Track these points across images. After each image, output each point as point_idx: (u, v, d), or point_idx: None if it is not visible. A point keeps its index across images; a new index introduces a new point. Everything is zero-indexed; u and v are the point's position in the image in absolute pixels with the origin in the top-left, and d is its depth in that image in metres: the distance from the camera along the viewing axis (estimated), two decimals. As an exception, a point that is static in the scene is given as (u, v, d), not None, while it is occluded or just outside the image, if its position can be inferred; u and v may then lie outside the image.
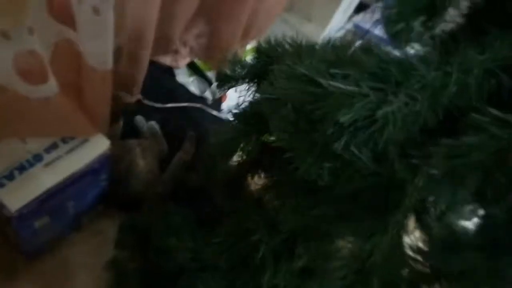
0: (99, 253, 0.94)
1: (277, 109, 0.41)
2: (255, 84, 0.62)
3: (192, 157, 1.08)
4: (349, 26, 1.50)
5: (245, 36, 1.25)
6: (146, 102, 1.14)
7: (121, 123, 1.03)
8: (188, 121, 1.18)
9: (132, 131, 1.09)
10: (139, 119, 1.11)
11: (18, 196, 0.70)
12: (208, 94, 1.27)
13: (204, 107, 1.22)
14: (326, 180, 0.40)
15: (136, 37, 0.90)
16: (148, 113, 1.13)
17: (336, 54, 0.44)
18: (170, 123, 1.15)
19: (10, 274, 0.86)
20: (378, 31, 1.37)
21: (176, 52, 1.19)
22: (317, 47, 0.57)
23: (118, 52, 0.95)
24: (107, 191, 0.92)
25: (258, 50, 0.62)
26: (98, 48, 0.64)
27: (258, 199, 0.71)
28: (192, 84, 1.27)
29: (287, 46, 0.59)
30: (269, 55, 0.60)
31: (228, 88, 0.64)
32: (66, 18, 0.65)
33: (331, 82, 0.36)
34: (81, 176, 0.78)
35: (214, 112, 1.25)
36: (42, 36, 0.63)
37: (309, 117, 0.37)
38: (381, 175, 0.39)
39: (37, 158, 0.74)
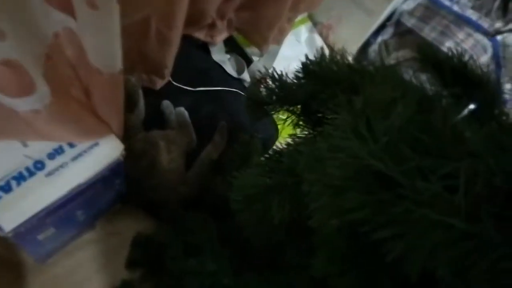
0: (116, 255, 0.86)
1: (321, 225, 0.26)
2: (299, 112, 0.46)
3: (222, 153, 0.95)
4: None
5: (295, 8, 1.05)
6: (175, 84, 1.00)
7: (142, 110, 0.90)
8: (221, 108, 1.03)
9: (157, 118, 0.97)
10: (166, 104, 0.98)
11: (14, 213, 0.60)
12: (246, 76, 1.10)
13: (241, 91, 1.06)
14: None
15: (164, 15, 0.74)
16: (177, 97, 1.00)
17: (429, 123, 0.27)
18: (201, 109, 1.01)
19: (18, 278, 0.79)
20: (458, 9, 1.12)
21: (211, 26, 1.02)
22: (395, 77, 0.39)
23: (145, 31, 0.80)
24: (124, 191, 0.82)
25: (305, 69, 0.45)
26: (100, 47, 0.50)
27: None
28: (229, 62, 1.11)
29: (344, 70, 0.41)
30: (319, 78, 0.42)
31: (262, 118, 0.48)
32: (65, 4, 0.50)
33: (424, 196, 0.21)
34: (90, 186, 0.67)
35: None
36: (33, 27, 0.50)
37: (371, 251, 0.22)
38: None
39: (39, 165, 0.64)
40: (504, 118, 0.40)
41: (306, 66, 0.45)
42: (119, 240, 0.89)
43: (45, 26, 0.51)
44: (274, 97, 0.46)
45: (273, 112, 0.47)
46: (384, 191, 0.24)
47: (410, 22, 1.20)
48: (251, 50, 1.15)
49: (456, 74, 0.45)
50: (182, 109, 0.98)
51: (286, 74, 0.47)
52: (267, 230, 0.42)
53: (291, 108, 0.47)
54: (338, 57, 0.43)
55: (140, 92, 0.90)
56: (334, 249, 0.28)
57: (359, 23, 1.21)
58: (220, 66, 1.09)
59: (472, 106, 0.35)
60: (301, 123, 0.46)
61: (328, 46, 1.29)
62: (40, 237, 0.68)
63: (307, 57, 0.46)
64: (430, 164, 0.24)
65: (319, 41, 1.29)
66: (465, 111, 0.34)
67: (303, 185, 0.29)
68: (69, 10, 0.49)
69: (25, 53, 0.46)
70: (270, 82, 0.47)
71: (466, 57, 0.46)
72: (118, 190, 0.79)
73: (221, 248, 0.72)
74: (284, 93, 0.46)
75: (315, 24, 1.33)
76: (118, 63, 0.53)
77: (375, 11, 1.16)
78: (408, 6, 1.24)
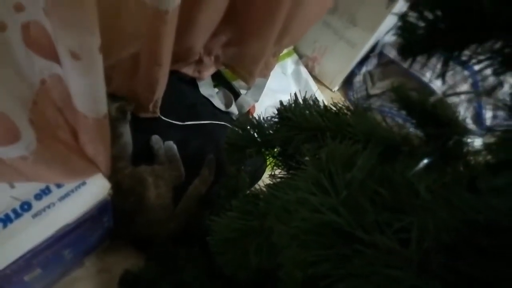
0: (104, 292, 0.86)
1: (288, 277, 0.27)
2: (276, 155, 0.48)
3: (210, 187, 0.96)
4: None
5: (279, 43, 1.09)
6: (164, 118, 1.02)
7: (130, 144, 0.91)
8: (210, 141, 1.05)
9: (146, 153, 0.98)
10: (156, 139, 0.99)
11: (0, 255, 0.60)
12: (234, 109, 1.13)
13: (229, 125, 1.08)
14: None
15: (151, 53, 0.77)
16: (166, 131, 1.01)
17: (389, 175, 0.29)
18: (189, 143, 1.03)
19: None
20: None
21: (199, 61, 1.05)
22: (351, 120, 0.41)
23: (132, 68, 0.83)
24: (112, 228, 0.82)
25: (280, 115, 0.47)
26: (84, 94, 0.52)
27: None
28: (217, 96, 1.13)
29: (316, 117, 0.43)
30: (293, 124, 0.45)
31: (242, 160, 0.50)
32: (50, 53, 0.52)
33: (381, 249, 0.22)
34: (78, 225, 0.67)
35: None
36: (19, 74, 0.52)
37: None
38: None
39: (25, 206, 0.64)
40: (471, 157, 0.42)
41: (281, 112, 0.47)
42: (108, 277, 0.89)
43: (32, 74, 0.53)
44: (252, 142, 0.48)
45: (252, 155, 0.49)
46: (344, 246, 0.25)
47: (392, 53, 1.24)
48: (239, 84, 1.18)
49: (427, 114, 0.48)
50: (171, 143, 1.00)
51: (263, 119, 0.49)
52: (246, 272, 0.42)
53: (267, 152, 0.49)
54: (311, 102, 0.46)
55: (127, 126, 0.92)
56: None
57: (343, 55, 1.25)
58: (208, 100, 1.12)
59: (426, 160, 0.37)
60: (280, 164, 0.48)
61: (313, 77, 1.32)
62: (27, 278, 0.68)
63: (281, 103, 0.48)
64: (387, 217, 0.25)
65: (305, 73, 1.32)
66: (423, 163, 0.36)
67: (272, 236, 0.30)
68: (54, 58, 0.51)
69: (11, 102, 0.48)
70: (248, 127, 0.49)
71: (436, 97, 0.48)
72: (106, 227, 0.80)
73: (210, 283, 0.72)
74: (262, 137, 0.48)
75: (300, 56, 1.36)
76: (102, 108, 0.55)
77: (357, 43, 1.20)
78: (390, 38, 1.29)
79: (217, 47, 1.04)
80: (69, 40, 0.44)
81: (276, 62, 1.17)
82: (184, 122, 1.03)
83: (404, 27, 0.34)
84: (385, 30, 1.27)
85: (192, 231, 0.88)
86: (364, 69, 1.32)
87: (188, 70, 1.06)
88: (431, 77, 1.15)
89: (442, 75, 0.34)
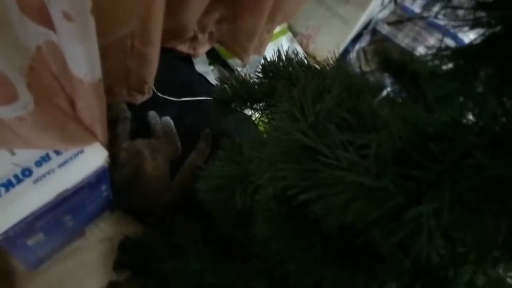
0: (105, 261, 0.89)
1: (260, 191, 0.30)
2: (262, 108, 0.50)
3: (207, 159, 0.99)
4: (394, 7, 1.31)
5: (272, 20, 1.11)
6: (160, 95, 1.04)
7: (128, 119, 0.94)
8: (205, 117, 1.07)
9: (143, 128, 1.00)
10: (152, 115, 1.02)
11: (3, 218, 0.63)
12: (229, 85, 1.15)
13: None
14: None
15: (140, 34, 0.79)
16: (162, 107, 1.04)
17: (355, 103, 0.31)
18: (185, 118, 1.05)
19: (10, 285, 0.82)
20: (430, 16, 1.18)
21: (194, 39, 1.07)
22: (331, 72, 0.44)
23: (123, 49, 0.85)
24: (111, 199, 0.85)
25: (263, 69, 0.49)
26: (79, 57, 0.54)
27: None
28: (212, 73, 1.15)
29: (295, 68, 0.45)
30: (276, 75, 0.47)
31: (228, 115, 0.52)
32: (44, 18, 0.54)
33: (343, 162, 0.25)
34: (76, 191, 0.70)
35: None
36: (16, 40, 0.54)
37: (304, 212, 0.26)
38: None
39: (26, 172, 0.67)
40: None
41: (265, 67, 0.49)
42: (109, 246, 0.92)
43: (27, 39, 0.55)
44: (237, 97, 0.50)
45: (238, 110, 0.51)
46: (310, 161, 0.28)
47: (385, 29, 1.26)
48: (234, 62, 1.20)
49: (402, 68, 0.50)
50: (168, 118, 1.02)
51: (249, 75, 0.51)
52: (233, 216, 0.45)
53: (254, 106, 0.51)
54: (293, 57, 0.48)
55: (124, 106, 0.94)
56: (269, 213, 0.31)
57: (337, 32, 1.27)
58: (204, 77, 1.14)
59: (388, 90, 0.39)
60: (264, 119, 0.50)
61: (308, 55, 1.34)
62: (30, 242, 0.71)
63: (265, 58, 0.50)
64: (349, 137, 0.28)
65: (299, 51, 1.34)
66: (383, 93, 0.39)
67: (248, 165, 0.33)
68: (49, 24, 0.53)
69: (8, 64, 0.50)
70: (234, 82, 0.51)
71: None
72: (105, 197, 0.82)
73: (205, 247, 0.75)
74: (247, 92, 0.50)
75: (295, 34, 1.38)
76: (97, 72, 0.57)
77: (350, 20, 1.22)
78: (383, 14, 1.30)
79: (211, 24, 1.06)
80: (61, 1, 0.46)
81: (270, 39, 1.19)
82: (180, 98, 1.06)
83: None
84: (377, 7, 1.28)
85: (188, 202, 0.91)
86: (357, 46, 1.33)
87: (183, 48, 1.08)
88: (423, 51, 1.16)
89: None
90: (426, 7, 1.21)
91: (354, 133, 0.28)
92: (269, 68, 0.48)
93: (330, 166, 0.27)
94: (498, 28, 0.21)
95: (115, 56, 0.86)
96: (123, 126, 0.92)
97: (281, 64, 0.47)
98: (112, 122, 0.90)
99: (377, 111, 0.29)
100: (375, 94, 0.36)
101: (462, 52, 0.22)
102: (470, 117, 0.26)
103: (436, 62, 0.21)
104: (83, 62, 0.55)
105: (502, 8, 0.21)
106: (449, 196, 0.23)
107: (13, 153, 0.67)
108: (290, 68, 0.46)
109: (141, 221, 0.92)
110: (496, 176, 0.22)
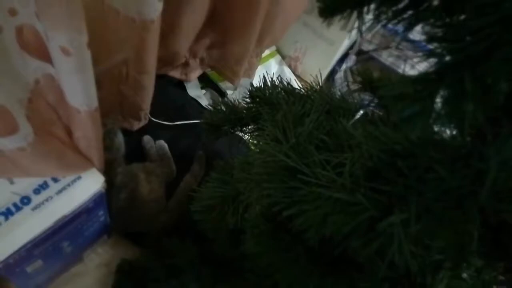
0: (104, 286, 0.90)
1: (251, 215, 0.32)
2: (251, 130, 0.53)
3: (201, 181, 1.01)
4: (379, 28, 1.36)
5: (260, 44, 1.15)
6: (154, 120, 1.07)
7: (122, 146, 0.96)
8: (199, 139, 1.10)
9: (139, 152, 1.03)
10: (147, 139, 1.05)
11: (3, 245, 0.64)
12: (221, 108, 1.18)
13: (217, 123, 1.14)
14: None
15: (136, 62, 0.82)
16: (156, 131, 1.07)
17: (331, 125, 0.34)
18: (180, 141, 1.08)
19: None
20: (414, 35, 1.23)
21: (185, 64, 1.11)
22: (313, 95, 0.47)
23: (119, 77, 0.88)
24: (108, 223, 0.86)
25: (250, 95, 0.53)
26: (77, 88, 0.57)
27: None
28: (204, 97, 1.19)
29: (281, 93, 0.49)
30: (262, 100, 0.50)
31: (219, 137, 0.55)
32: (43, 53, 0.58)
33: (321, 180, 0.27)
34: (74, 217, 0.72)
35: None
36: (16, 75, 0.57)
37: (288, 226, 0.28)
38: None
39: (25, 200, 0.69)
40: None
41: (251, 92, 0.52)
42: (107, 271, 0.93)
43: (26, 74, 0.58)
44: (226, 121, 0.53)
45: (229, 132, 0.54)
46: (292, 180, 0.30)
47: (369, 49, 1.31)
48: (225, 85, 1.24)
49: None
50: (162, 142, 1.05)
51: (237, 100, 0.54)
52: (227, 235, 0.47)
53: (243, 129, 0.54)
54: (278, 83, 0.51)
55: (118, 131, 0.97)
56: (257, 229, 0.33)
57: (323, 53, 1.32)
58: (196, 101, 1.17)
59: (361, 112, 0.42)
60: (253, 141, 0.53)
61: (297, 76, 1.38)
62: (29, 269, 0.72)
63: (251, 85, 0.53)
64: (327, 157, 0.31)
65: (288, 73, 1.38)
66: (359, 114, 0.42)
67: (237, 185, 0.35)
68: (47, 58, 0.57)
69: (9, 97, 0.53)
70: (223, 108, 0.54)
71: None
72: (103, 222, 0.84)
73: (202, 268, 0.77)
74: (235, 116, 0.53)
75: (283, 57, 1.43)
76: (94, 102, 0.60)
77: (336, 41, 1.27)
78: (367, 35, 1.35)
79: (201, 50, 1.10)
80: (60, 38, 0.49)
81: (259, 62, 1.23)
82: (173, 122, 1.09)
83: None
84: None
85: (184, 223, 0.92)
86: (344, 66, 1.38)
87: (176, 73, 1.12)
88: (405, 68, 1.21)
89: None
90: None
91: (331, 153, 0.31)
92: (255, 93, 0.51)
93: (310, 184, 0.29)
94: (448, 58, 0.24)
95: (110, 83, 0.89)
96: (119, 151, 0.95)
97: (266, 90, 0.51)
98: (108, 147, 0.92)
99: (352, 132, 0.32)
100: (352, 115, 0.39)
101: (420, 78, 0.25)
102: (436, 134, 0.29)
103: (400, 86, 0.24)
104: (80, 92, 0.58)
105: (450, 41, 0.24)
106: (416, 207, 0.25)
107: (12, 182, 0.69)
108: (274, 94, 0.49)
109: (138, 244, 0.94)
110: (455, 188, 0.25)
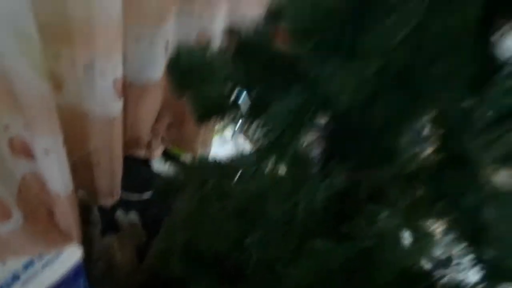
0: None
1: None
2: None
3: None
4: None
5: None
6: (125, 195, 1.22)
7: (98, 222, 1.11)
8: (166, 207, 1.25)
9: (113, 225, 1.17)
10: (119, 214, 1.19)
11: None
12: (184, 178, 1.35)
13: (181, 191, 1.30)
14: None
15: (104, 150, 0.99)
16: (127, 205, 1.21)
17: None
18: (149, 211, 1.23)
19: None
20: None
21: (148, 145, 1.29)
22: None
23: (90, 164, 1.03)
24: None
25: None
26: (55, 178, 0.73)
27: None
28: (168, 170, 1.36)
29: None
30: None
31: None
32: (27, 153, 0.74)
33: None
34: (57, 287, 0.84)
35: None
36: (9, 173, 0.73)
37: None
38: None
39: (16, 277, 0.81)
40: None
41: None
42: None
43: (16, 171, 0.74)
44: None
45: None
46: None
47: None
48: (186, 157, 1.41)
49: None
50: (132, 213, 1.20)
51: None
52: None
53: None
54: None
55: (95, 209, 1.12)
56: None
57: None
58: (161, 174, 1.34)
59: None
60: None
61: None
62: None
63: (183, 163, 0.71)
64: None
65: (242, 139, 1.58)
66: None
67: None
68: (31, 157, 0.73)
69: (4, 191, 0.69)
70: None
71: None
72: (84, 289, 0.95)
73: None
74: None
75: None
76: (70, 186, 0.76)
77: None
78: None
79: (161, 130, 1.29)
80: (43, 142, 0.66)
81: (214, 135, 1.42)
82: (142, 194, 1.24)
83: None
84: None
85: (160, 279, 1.05)
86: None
87: (141, 153, 1.29)
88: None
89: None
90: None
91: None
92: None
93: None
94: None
95: (84, 170, 1.05)
96: (95, 227, 1.09)
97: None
98: (85, 224, 1.06)
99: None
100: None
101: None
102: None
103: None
104: (59, 181, 0.74)
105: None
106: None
107: (4, 264, 0.82)
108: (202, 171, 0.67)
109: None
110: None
